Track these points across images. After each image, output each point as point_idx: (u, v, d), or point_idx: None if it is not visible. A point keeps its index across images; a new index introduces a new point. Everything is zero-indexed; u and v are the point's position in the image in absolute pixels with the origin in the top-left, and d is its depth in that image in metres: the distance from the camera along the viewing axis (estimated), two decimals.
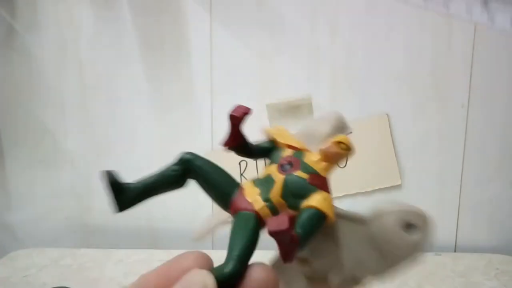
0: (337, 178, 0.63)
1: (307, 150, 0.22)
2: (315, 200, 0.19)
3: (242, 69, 0.55)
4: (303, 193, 0.20)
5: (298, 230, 0.19)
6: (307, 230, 0.19)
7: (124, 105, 0.56)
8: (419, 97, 0.54)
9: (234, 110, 0.22)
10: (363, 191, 0.56)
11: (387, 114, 0.54)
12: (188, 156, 0.21)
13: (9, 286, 0.46)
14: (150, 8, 0.54)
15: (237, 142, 0.23)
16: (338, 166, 0.22)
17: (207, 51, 0.55)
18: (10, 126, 0.58)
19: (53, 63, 0.56)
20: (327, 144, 0.21)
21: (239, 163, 0.55)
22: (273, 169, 0.21)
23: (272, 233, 0.17)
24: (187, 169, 0.21)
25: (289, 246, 0.18)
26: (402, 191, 0.56)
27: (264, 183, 0.21)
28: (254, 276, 0.18)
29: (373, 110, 0.55)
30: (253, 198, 0.20)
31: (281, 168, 0.21)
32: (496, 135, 0.54)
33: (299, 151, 0.22)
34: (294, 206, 0.20)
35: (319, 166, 0.21)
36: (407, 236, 0.20)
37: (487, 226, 0.56)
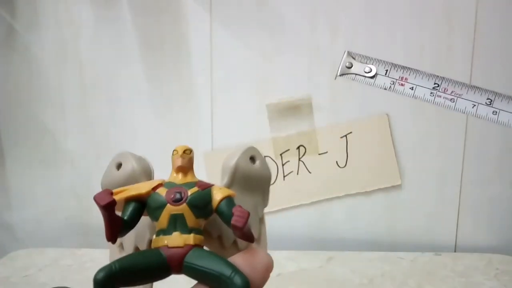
0: (337, 178, 0.63)
1: (163, 179, 0.24)
2: (218, 195, 0.22)
3: (242, 69, 0.55)
4: (208, 200, 0.22)
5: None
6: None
7: (124, 105, 0.56)
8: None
9: (100, 200, 0.21)
10: (363, 191, 0.56)
11: (387, 114, 0.54)
12: (102, 275, 0.20)
13: (9, 286, 0.46)
14: (150, 8, 0.54)
15: (118, 229, 0.22)
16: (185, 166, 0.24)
17: (207, 51, 0.55)
18: (10, 126, 0.58)
19: (53, 63, 0.56)
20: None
21: None
22: (170, 209, 0.22)
23: (243, 226, 0.20)
24: (111, 285, 0.20)
25: (248, 227, 0.21)
26: (402, 191, 0.56)
27: (174, 223, 0.22)
28: None
29: (373, 110, 0.55)
30: (179, 241, 0.21)
31: (176, 202, 0.22)
32: (496, 135, 0.54)
33: (165, 183, 0.23)
34: (209, 213, 0.23)
35: (186, 176, 0.24)
36: (256, 166, 0.26)
37: (487, 226, 0.56)
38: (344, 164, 0.56)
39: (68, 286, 0.42)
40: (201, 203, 0.22)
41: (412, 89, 0.30)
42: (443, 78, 0.29)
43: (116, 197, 0.22)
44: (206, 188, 0.23)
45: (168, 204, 0.22)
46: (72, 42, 0.56)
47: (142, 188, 0.23)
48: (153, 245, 0.22)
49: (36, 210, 0.59)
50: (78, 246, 0.56)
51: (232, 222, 0.20)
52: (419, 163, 0.55)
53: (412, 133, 0.55)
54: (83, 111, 0.57)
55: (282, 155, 0.55)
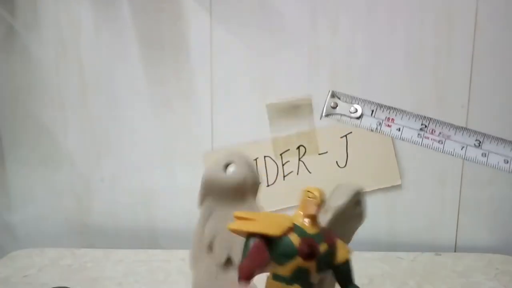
0: (337, 178, 0.63)
1: (292, 222, 0.23)
2: (343, 254, 0.23)
3: (242, 69, 0.55)
4: (333, 259, 0.23)
5: (350, 283, 0.24)
6: (352, 277, 0.24)
7: (124, 105, 0.56)
8: (419, 97, 0.54)
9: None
10: (363, 191, 0.56)
11: None
12: None
13: (9, 286, 0.46)
14: (150, 8, 0.54)
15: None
16: (316, 214, 0.24)
17: (207, 51, 0.55)
18: (10, 126, 0.58)
19: (53, 63, 0.56)
20: (300, 199, 0.24)
21: None
22: (299, 262, 0.22)
23: None
24: None
25: None
26: (402, 191, 0.56)
27: (297, 275, 0.22)
28: None
29: None
30: None
31: (308, 257, 0.22)
32: (496, 135, 0.54)
33: (296, 228, 0.23)
34: (329, 268, 0.24)
35: (314, 224, 0.23)
36: (358, 210, 0.28)
37: (487, 226, 0.56)
38: (344, 164, 0.56)
39: (68, 286, 0.42)
40: (328, 263, 0.23)
41: (399, 130, 0.30)
42: (430, 118, 0.30)
43: (245, 227, 0.23)
44: (332, 245, 0.23)
45: (299, 257, 0.22)
46: (72, 42, 0.56)
47: (274, 227, 0.23)
48: (268, 287, 0.23)
49: (36, 210, 0.59)
50: (78, 246, 0.56)
51: None
52: (419, 163, 0.55)
53: None
54: (83, 111, 0.57)
55: (282, 155, 0.55)
